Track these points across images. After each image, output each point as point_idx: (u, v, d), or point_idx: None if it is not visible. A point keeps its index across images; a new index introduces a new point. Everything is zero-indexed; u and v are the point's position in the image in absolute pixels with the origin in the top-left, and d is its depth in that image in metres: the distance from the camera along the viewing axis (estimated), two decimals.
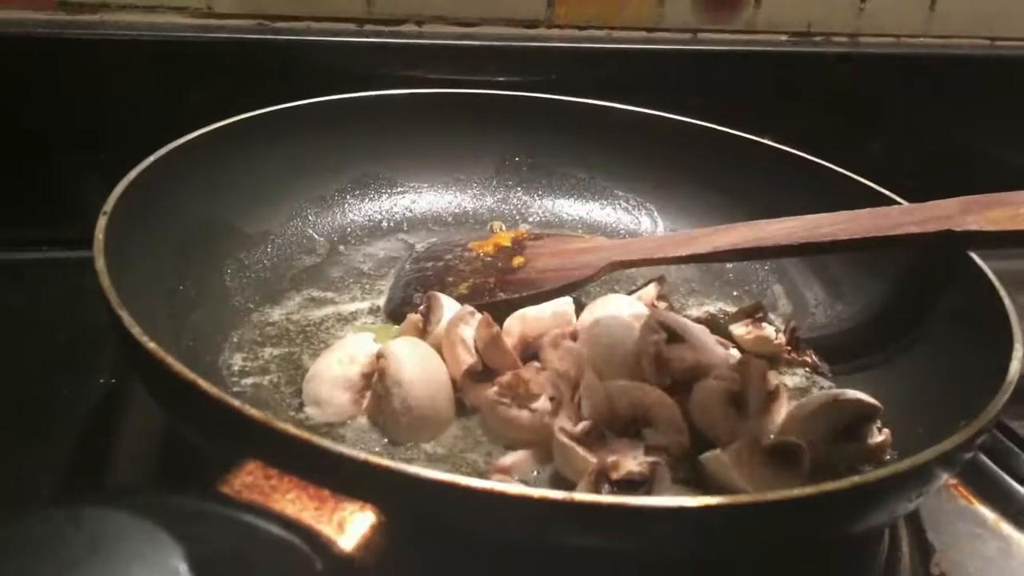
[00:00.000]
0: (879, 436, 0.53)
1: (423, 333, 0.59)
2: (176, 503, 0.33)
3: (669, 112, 0.81)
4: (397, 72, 0.84)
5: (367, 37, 0.85)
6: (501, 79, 0.86)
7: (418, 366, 0.54)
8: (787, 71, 0.95)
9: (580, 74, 0.89)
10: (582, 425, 0.51)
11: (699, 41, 0.94)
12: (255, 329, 0.62)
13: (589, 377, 0.54)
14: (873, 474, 0.41)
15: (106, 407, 0.60)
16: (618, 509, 0.38)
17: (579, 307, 0.62)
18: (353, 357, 0.55)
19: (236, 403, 0.39)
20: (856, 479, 0.40)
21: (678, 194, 0.81)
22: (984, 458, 0.61)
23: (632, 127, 0.81)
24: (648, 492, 0.45)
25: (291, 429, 0.38)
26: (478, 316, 0.57)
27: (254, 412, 0.39)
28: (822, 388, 0.63)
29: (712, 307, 0.72)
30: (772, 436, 0.54)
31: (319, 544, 0.34)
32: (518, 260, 0.68)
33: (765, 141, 0.78)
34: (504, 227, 0.79)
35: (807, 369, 0.64)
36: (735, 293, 0.74)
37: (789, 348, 0.65)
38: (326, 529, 0.35)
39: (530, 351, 0.59)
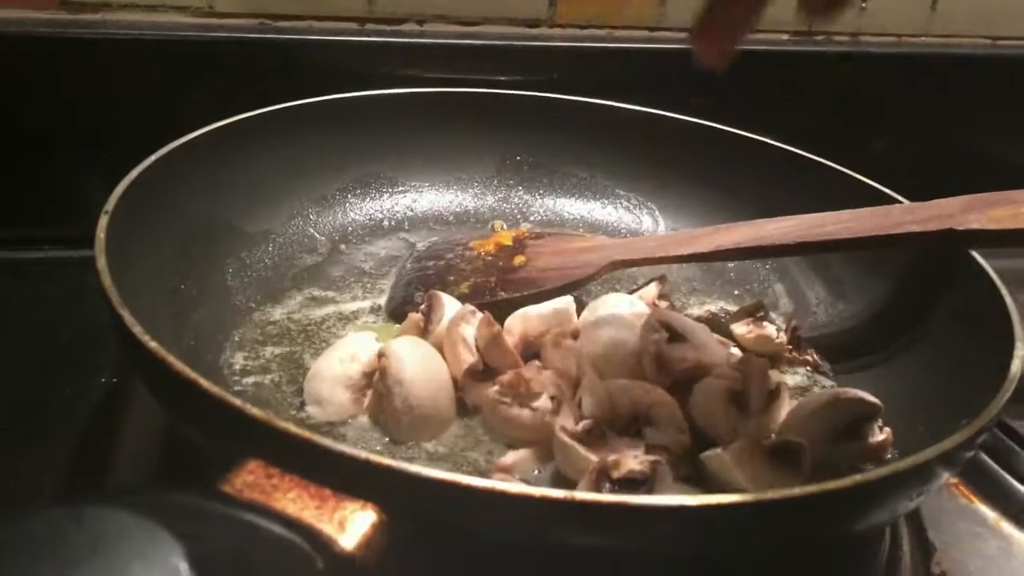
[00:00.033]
0: (880, 435, 0.53)
1: (424, 332, 0.59)
2: (177, 502, 0.33)
3: (671, 111, 0.81)
4: (398, 71, 0.84)
5: (368, 36, 0.85)
6: (502, 78, 0.86)
7: (419, 365, 0.54)
8: (789, 70, 0.95)
9: (581, 73, 0.89)
10: (583, 424, 0.51)
11: None
12: (256, 328, 0.62)
13: (590, 376, 0.54)
14: (874, 473, 0.41)
15: (107, 406, 0.60)
16: (619, 508, 0.38)
17: (580, 306, 0.62)
18: (354, 356, 0.55)
19: (237, 402, 0.39)
20: (857, 478, 0.40)
21: (679, 193, 0.81)
22: (985, 457, 0.61)
23: (633, 126, 0.81)
24: (649, 491, 0.45)
25: (292, 428, 0.38)
26: (479, 315, 0.57)
27: (255, 411, 0.39)
28: (823, 387, 0.63)
29: (713, 306, 0.72)
30: (773, 435, 0.54)
31: (320, 543, 0.34)
32: (519, 259, 0.68)
33: (767, 140, 0.78)
34: (505, 226, 0.79)
35: (808, 368, 0.64)
36: (736, 292, 0.74)
37: (790, 347, 0.65)
38: (327, 528, 0.35)
39: (531, 350, 0.59)
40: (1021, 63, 1.04)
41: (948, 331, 0.60)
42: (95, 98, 0.78)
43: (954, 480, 0.60)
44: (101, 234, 0.50)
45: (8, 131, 0.76)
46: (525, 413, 0.52)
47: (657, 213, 0.82)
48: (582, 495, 0.38)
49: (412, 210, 0.80)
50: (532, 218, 0.82)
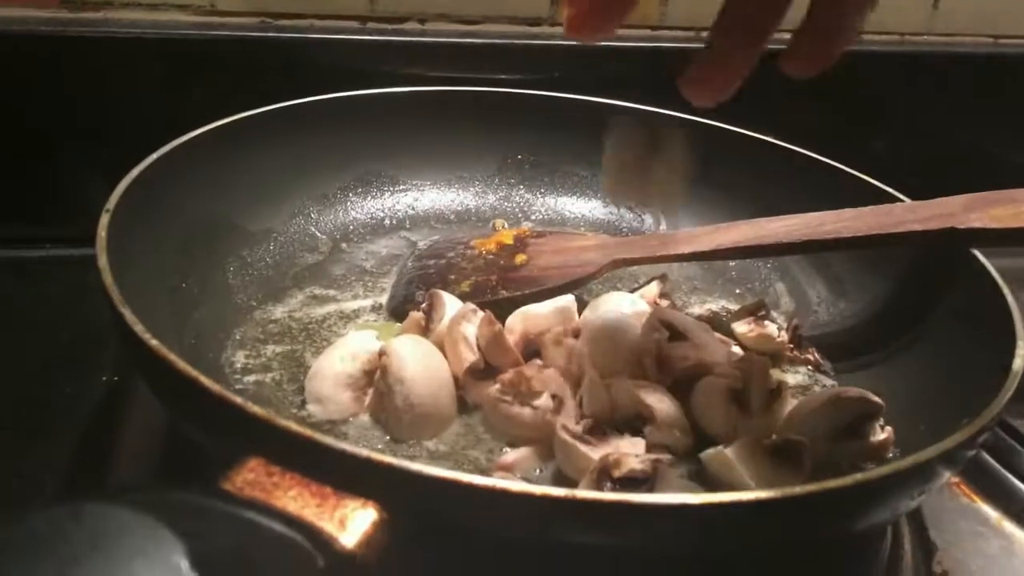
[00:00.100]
0: (881, 434, 0.53)
1: (425, 331, 0.59)
2: (178, 500, 0.33)
3: (671, 110, 0.80)
4: (400, 70, 0.84)
5: (370, 35, 0.85)
6: (504, 77, 0.86)
7: (420, 364, 0.54)
8: None
9: (583, 72, 0.89)
10: (584, 423, 0.51)
11: (702, 39, 0.94)
12: (257, 327, 0.62)
13: (591, 376, 0.54)
14: (875, 472, 0.41)
15: (108, 405, 0.60)
16: (620, 506, 0.38)
17: (581, 305, 0.62)
18: (355, 355, 0.55)
19: (238, 400, 0.39)
20: (858, 476, 0.40)
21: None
22: (987, 456, 0.61)
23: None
24: (650, 490, 0.45)
25: (293, 426, 0.38)
26: (480, 314, 0.57)
27: (256, 409, 0.39)
28: (824, 386, 0.63)
29: (714, 305, 0.72)
30: (774, 434, 0.53)
31: (321, 541, 0.34)
32: (520, 258, 0.68)
33: (768, 139, 0.78)
34: (506, 225, 0.79)
35: (809, 367, 0.64)
36: (737, 291, 0.74)
37: (791, 346, 0.65)
38: (328, 526, 0.35)
39: (532, 349, 0.59)
40: (1022, 62, 1.04)
41: (949, 330, 0.60)
42: (96, 96, 0.78)
43: (956, 479, 0.60)
44: (102, 232, 0.50)
45: (9, 129, 0.76)
46: (526, 411, 0.52)
47: (658, 212, 0.82)
48: (583, 493, 0.38)
49: (413, 209, 0.80)
50: (533, 217, 0.82)
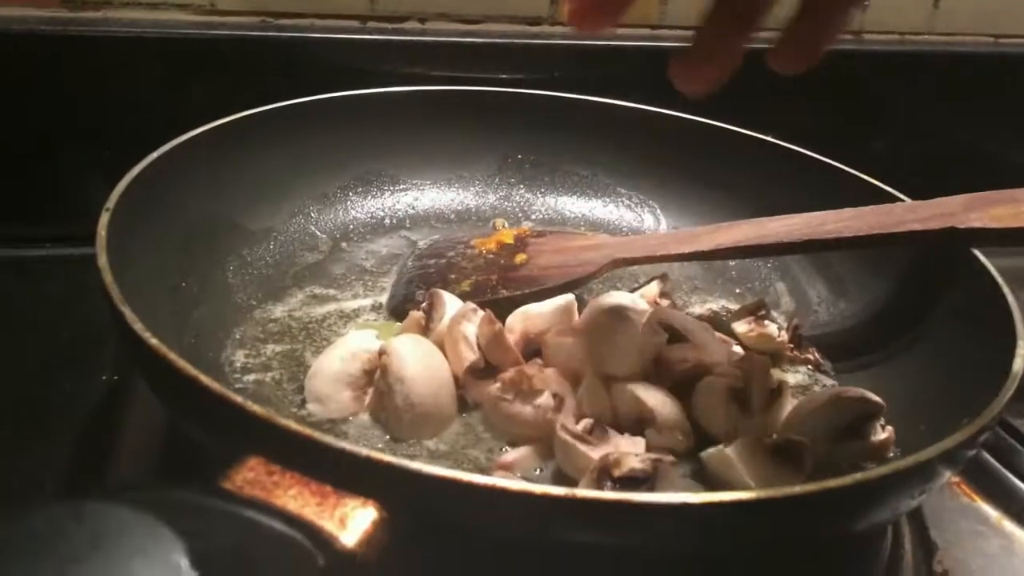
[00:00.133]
0: (882, 434, 0.53)
1: (425, 330, 0.59)
2: (178, 498, 0.33)
3: (672, 110, 0.80)
4: (400, 69, 0.84)
5: (370, 34, 0.85)
6: (504, 76, 0.86)
7: (420, 363, 0.54)
8: None
9: (583, 71, 0.89)
10: (584, 422, 0.51)
11: None
12: (257, 326, 0.62)
13: (590, 379, 0.54)
14: (876, 471, 0.41)
15: (108, 404, 0.60)
16: (620, 505, 0.38)
17: (581, 304, 0.62)
18: (355, 354, 0.55)
19: (238, 399, 0.39)
20: (859, 476, 0.40)
21: (681, 191, 0.80)
22: (987, 456, 0.61)
23: (635, 124, 0.81)
24: (651, 489, 0.45)
25: (293, 425, 0.38)
26: (480, 313, 0.57)
27: (256, 408, 0.39)
28: (824, 386, 0.63)
29: (715, 305, 0.72)
30: (775, 434, 0.53)
31: (321, 540, 0.34)
32: (520, 257, 0.68)
33: (768, 138, 0.78)
34: (506, 224, 0.79)
35: (809, 367, 0.64)
36: (738, 291, 0.74)
37: (792, 346, 0.65)
38: (328, 525, 0.35)
39: (532, 348, 0.59)
40: (1023, 61, 1.04)
41: (950, 330, 0.60)
42: (96, 95, 0.78)
43: (956, 479, 0.60)
44: (102, 231, 0.50)
45: (9, 128, 0.76)
46: (527, 410, 0.52)
47: (658, 211, 0.82)
48: (583, 492, 0.38)
49: (413, 208, 0.80)
50: (533, 216, 0.82)
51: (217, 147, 0.66)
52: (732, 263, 0.75)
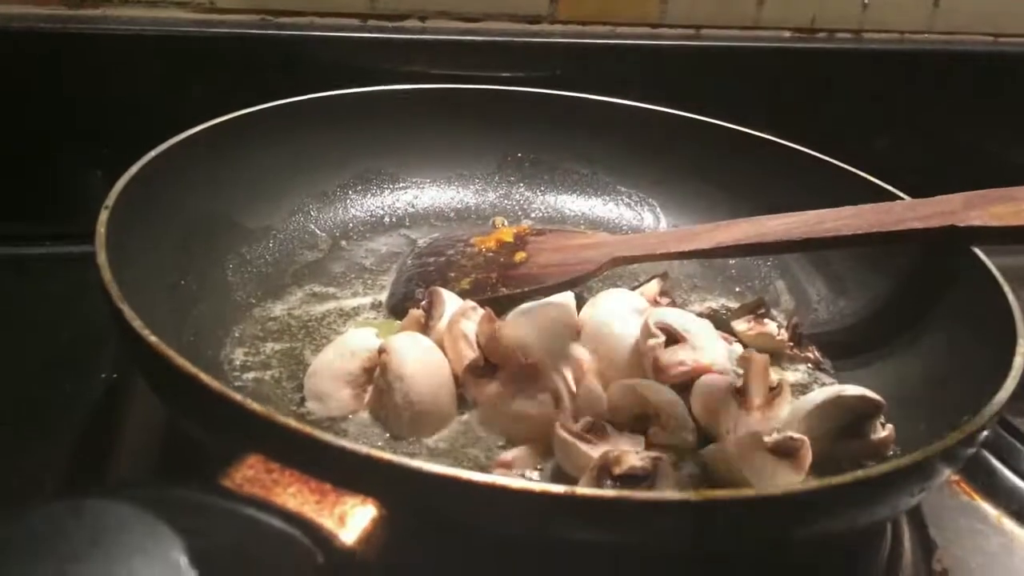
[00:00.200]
0: (882, 432, 0.53)
1: (425, 328, 0.59)
2: (177, 496, 0.33)
3: (672, 108, 0.81)
4: (400, 67, 0.84)
5: (370, 32, 0.85)
6: (504, 75, 0.86)
7: (420, 361, 0.54)
8: (790, 67, 0.95)
9: (583, 70, 0.89)
10: (583, 421, 0.51)
11: (702, 37, 0.94)
12: (256, 324, 0.62)
13: (590, 381, 0.54)
14: (875, 469, 0.41)
15: (108, 402, 0.60)
16: (620, 503, 0.38)
17: (581, 302, 0.62)
18: (355, 352, 0.55)
19: (238, 397, 0.39)
20: (859, 474, 0.40)
21: (681, 190, 0.80)
22: (987, 454, 0.61)
23: (635, 123, 0.81)
24: (650, 487, 0.45)
25: (293, 423, 0.38)
26: (480, 311, 0.57)
27: (256, 406, 0.39)
28: (824, 384, 0.62)
29: (714, 303, 0.72)
30: (774, 432, 0.53)
31: (320, 538, 0.34)
32: (520, 255, 0.68)
33: (768, 137, 0.78)
34: (506, 222, 0.79)
35: (809, 365, 0.64)
36: (737, 289, 0.74)
37: (791, 344, 0.65)
38: (327, 523, 0.35)
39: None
40: (1023, 60, 1.04)
41: (950, 328, 0.60)
42: (95, 93, 0.78)
43: (956, 477, 0.60)
44: (101, 229, 0.50)
45: (8, 126, 0.76)
46: (527, 408, 0.52)
47: (658, 210, 0.82)
48: (583, 490, 0.38)
49: (413, 206, 0.80)
50: (533, 214, 0.82)
51: (216, 145, 0.65)
52: (732, 261, 0.75)
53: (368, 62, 0.83)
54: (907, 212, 0.62)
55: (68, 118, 0.78)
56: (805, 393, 0.60)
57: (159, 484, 0.36)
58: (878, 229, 0.60)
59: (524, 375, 0.52)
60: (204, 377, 0.40)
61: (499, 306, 0.59)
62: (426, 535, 0.38)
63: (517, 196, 0.83)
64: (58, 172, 0.79)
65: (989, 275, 0.58)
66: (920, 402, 0.56)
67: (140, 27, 0.78)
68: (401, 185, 0.80)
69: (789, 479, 0.48)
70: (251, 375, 0.57)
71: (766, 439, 0.50)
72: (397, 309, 0.65)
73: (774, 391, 0.55)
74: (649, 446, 0.52)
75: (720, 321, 0.67)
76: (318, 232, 0.74)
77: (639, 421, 0.53)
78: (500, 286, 0.66)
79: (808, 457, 0.50)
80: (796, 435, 0.50)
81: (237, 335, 0.61)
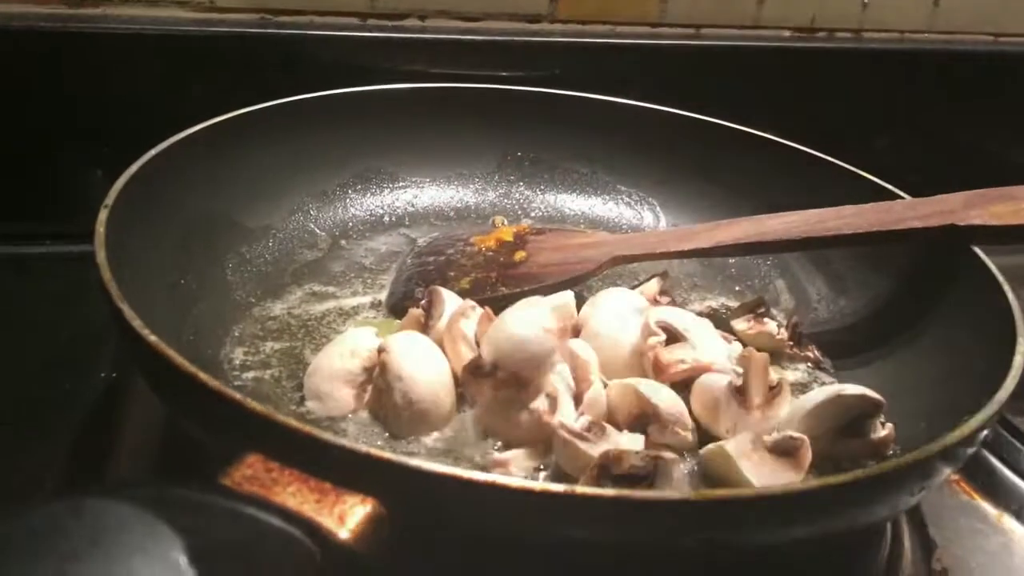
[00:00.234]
0: (882, 431, 0.53)
1: (425, 327, 0.59)
2: (177, 495, 0.33)
3: (672, 107, 0.80)
4: (400, 67, 0.84)
5: (370, 31, 0.85)
6: (504, 74, 0.86)
7: (419, 361, 0.54)
8: (790, 66, 0.95)
9: (582, 69, 0.89)
10: (582, 420, 0.51)
11: (702, 36, 0.94)
12: (256, 323, 0.62)
13: (592, 376, 0.54)
14: (875, 468, 0.41)
15: (107, 401, 0.60)
16: (620, 502, 0.38)
17: (581, 301, 0.62)
18: (354, 351, 0.55)
19: (237, 396, 0.39)
20: (858, 473, 0.40)
21: (681, 189, 0.80)
22: (987, 453, 0.61)
23: (634, 122, 0.81)
24: (650, 486, 0.45)
25: (292, 422, 0.38)
26: (479, 310, 0.57)
27: (255, 405, 0.39)
28: (824, 383, 0.62)
29: (714, 302, 0.72)
30: (774, 431, 0.53)
31: (320, 536, 0.34)
32: (520, 255, 0.68)
33: (768, 136, 0.78)
34: (506, 222, 0.79)
35: (809, 364, 0.64)
36: (737, 288, 0.74)
37: (791, 343, 0.65)
38: (327, 522, 0.35)
39: None
40: (1023, 60, 1.04)
41: (950, 327, 0.60)
42: (95, 92, 0.78)
43: (956, 476, 0.60)
44: (101, 228, 0.50)
45: (8, 125, 0.76)
46: (523, 416, 0.52)
47: (658, 209, 0.82)
48: (583, 489, 0.38)
49: (413, 206, 0.80)
50: (533, 214, 0.82)
51: (216, 144, 0.65)
52: (732, 260, 0.75)
53: (368, 61, 0.83)
54: (907, 211, 0.62)
55: (68, 117, 0.77)
56: (805, 392, 0.60)
57: (159, 483, 0.36)
58: (878, 228, 0.60)
59: (515, 383, 0.52)
60: (203, 376, 0.40)
61: (499, 305, 0.58)
62: (426, 534, 0.38)
63: (517, 195, 0.83)
64: (58, 171, 0.79)
65: (989, 274, 0.58)
66: (920, 401, 0.56)
67: (140, 26, 0.78)
68: (401, 184, 0.80)
69: (789, 478, 0.48)
70: (251, 374, 0.57)
71: (766, 438, 0.50)
72: (397, 308, 0.65)
73: (774, 390, 0.55)
74: (649, 445, 0.52)
75: (720, 320, 0.67)
76: (318, 231, 0.74)
77: (639, 420, 0.53)
78: (500, 285, 0.66)
79: (808, 456, 0.50)
80: (796, 434, 0.50)
81: (237, 334, 0.61)
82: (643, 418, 0.53)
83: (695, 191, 0.79)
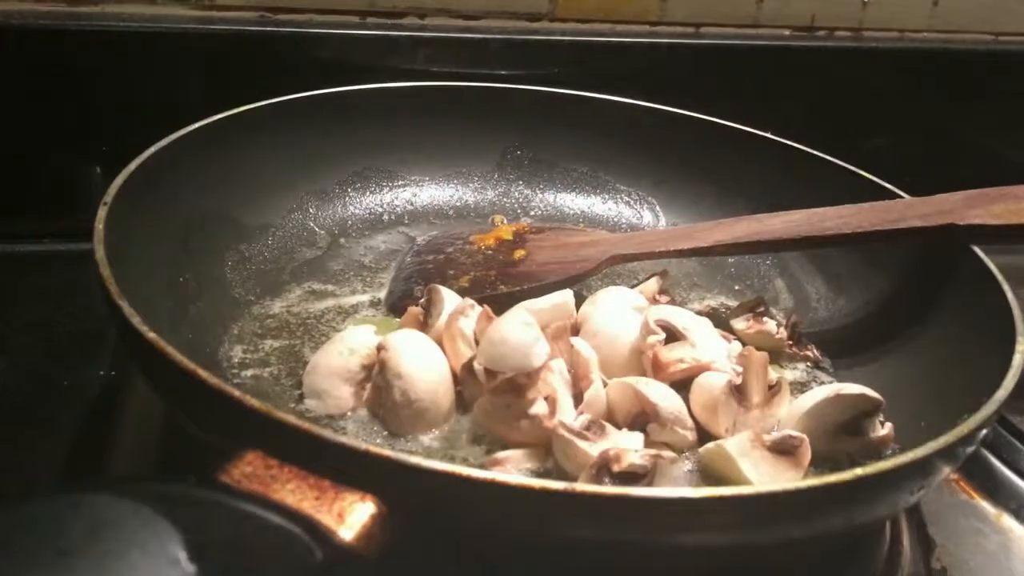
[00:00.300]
0: (881, 430, 0.53)
1: (424, 326, 0.59)
2: (176, 492, 0.33)
3: (671, 106, 0.80)
4: (399, 65, 0.84)
5: (369, 30, 0.85)
6: (503, 72, 0.86)
7: (419, 359, 0.54)
8: (790, 65, 0.95)
9: (582, 68, 0.89)
10: (581, 419, 0.51)
11: (701, 35, 0.94)
12: (255, 321, 0.62)
13: (592, 375, 0.54)
14: (874, 467, 0.41)
15: (106, 399, 0.60)
16: (619, 500, 0.38)
17: (580, 300, 0.62)
18: (354, 349, 0.55)
19: (236, 393, 0.39)
20: (858, 472, 0.40)
21: (680, 188, 0.80)
22: (986, 453, 0.61)
23: (634, 121, 0.81)
24: (649, 484, 0.45)
25: (292, 419, 0.38)
26: (479, 309, 0.57)
27: (255, 402, 0.39)
28: (823, 382, 0.62)
29: (713, 301, 0.72)
30: (773, 430, 0.53)
31: (319, 534, 0.34)
32: (519, 253, 0.68)
33: (768, 135, 0.78)
34: (505, 220, 0.79)
35: (808, 363, 0.64)
36: (737, 287, 0.74)
37: (790, 342, 0.65)
38: (326, 519, 0.35)
39: None
40: (1022, 59, 1.04)
41: (949, 326, 0.60)
42: (94, 90, 0.77)
43: (955, 476, 0.60)
44: (99, 225, 0.50)
45: (7, 123, 0.76)
46: (522, 423, 0.51)
47: (657, 208, 0.81)
48: (582, 487, 0.38)
49: (412, 204, 0.80)
50: (532, 212, 0.82)
51: (215, 142, 0.65)
52: (731, 260, 0.75)
53: (367, 59, 0.83)
54: (907, 210, 0.62)
55: (67, 114, 0.77)
56: (804, 391, 0.60)
57: (157, 479, 0.36)
58: (878, 227, 0.60)
59: (511, 389, 0.52)
60: (203, 373, 0.40)
61: (498, 304, 0.58)
62: (425, 531, 0.38)
63: (516, 194, 0.82)
64: (57, 168, 0.79)
65: (989, 274, 0.58)
66: (919, 400, 0.56)
67: (139, 23, 0.78)
68: (400, 183, 0.80)
69: (788, 477, 0.48)
70: (250, 372, 0.57)
71: (765, 437, 0.50)
72: (396, 307, 0.65)
73: (773, 389, 0.55)
74: (648, 444, 0.52)
75: (719, 319, 0.67)
76: (317, 229, 0.73)
77: (638, 419, 0.53)
78: (499, 284, 0.66)
79: (807, 455, 0.50)
80: (795, 433, 0.50)
81: (236, 332, 0.61)
82: (642, 417, 0.53)
83: (694, 190, 0.79)
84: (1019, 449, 0.61)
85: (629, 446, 0.49)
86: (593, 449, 0.48)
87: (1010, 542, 0.56)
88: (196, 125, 0.64)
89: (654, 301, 0.65)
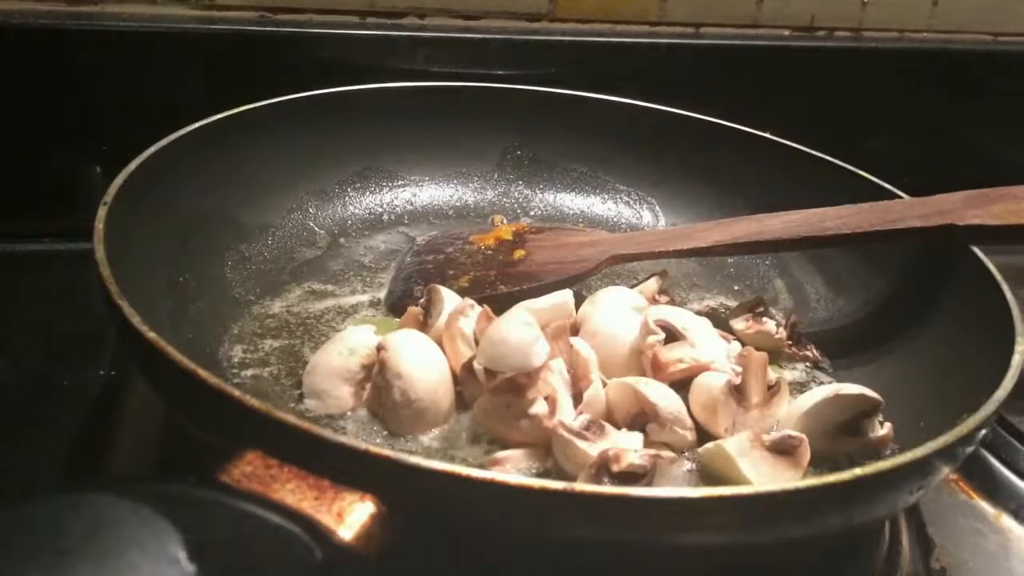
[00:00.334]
0: (881, 430, 0.53)
1: (424, 326, 0.59)
2: (176, 491, 0.33)
3: (671, 106, 0.80)
4: (399, 65, 0.84)
5: (369, 30, 0.85)
6: (503, 72, 0.86)
7: (418, 359, 0.54)
8: (790, 65, 0.95)
9: (582, 68, 0.89)
10: (581, 419, 0.51)
11: (701, 36, 0.94)
12: (255, 321, 0.62)
13: (592, 376, 0.54)
14: (873, 467, 0.41)
15: (105, 399, 0.60)
16: (618, 499, 0.38)
17: (579, 300, 0.62)
18: (353, 349, 0.55)
19: (236, 393, 0.39)
20: (857, 472, 0.40)
21: (680, 188, 0.80)
22: (985, 453, 0.61)
23: (633, 121, 0.81)
24: (648, 484, 0.45)
25: (292, 419, 0.38)
26: (478, 309, 0.57)
27: (255, 402, 0.39)
28: (822, 383, 0.62)
29: (713, 301, 0.72)
30: (773, 430, 0.53)
31: (319, 534, 0.34)
32: (519, 253, 0.68)
33: (768, 135, 0.78)
34: (505, 220, 0.79)
35: (808, 364, 0.64)
36: (736, 287, 0.74)
37: (790, 343, 0.65)
38: (326, 519, 0.35)
39: None
40: (1022, 59, 1.04)
41: (948, 327, 0.60)
42: (94, 90, 0.77)
43: (954, 476, 0.60)
44: (99, 225, 0.50)
45: (7, 122, 0.76)
46: (522, 423, 0.51)
47: (657, 208, 0.82)
48: (582, 486, 0.38)
49: (412, 204, 0.80)
50: (532, 212, 0.82)
51: (215, 142, 0.65)
52: (731, 260, 0.75)
53: (367, 59, 0.83)
54: (907, 211, 0.62)
55: (67, 114, 0.77)
56: (803, 392, 0.60)
57: (157, 479, 0.36)
58: (878, 227, 0.60)
59: (511, 389, 0.52)
60: (202, 373, 0.40)
61: (498, 304, 0.58)
62: (424, 531, 0.38)
63: (516, 194, 0.83)
64: (57, 168, 0.79)
65: (988, 274, 0.58)
66: (918, 400, 0.56)
67: (139, 23, 0.78)
68: (400, 183, 0.80)
69: (787, 477, 0.48)
70: (249, 372, 0.57)
71: (764, 437, 0.50)
72: (396, 307, 0.65)
73: (772, 389, 0.55)
74: (648, 444, 0.52)
75: (719, 319, 0.67)
76: (317, 229, 0.73)
77: (638, 419, 0.53)
78: (499, 284, 0.66)
79: (806, 455, 0.50)
80: (794, 433, 0.50)
81: (236, 332, 0.61)
82: (642, 417, 0.53)
83: (694, 190, 0.79)
84: (1018, 449, 0.61)
85: (628, 446, 0.49)
86: (592, 449, 0.48)
87: (1009, 542, 0.56)
88: (196, 125, 0.64)
89: (654, 301, 0.65)
